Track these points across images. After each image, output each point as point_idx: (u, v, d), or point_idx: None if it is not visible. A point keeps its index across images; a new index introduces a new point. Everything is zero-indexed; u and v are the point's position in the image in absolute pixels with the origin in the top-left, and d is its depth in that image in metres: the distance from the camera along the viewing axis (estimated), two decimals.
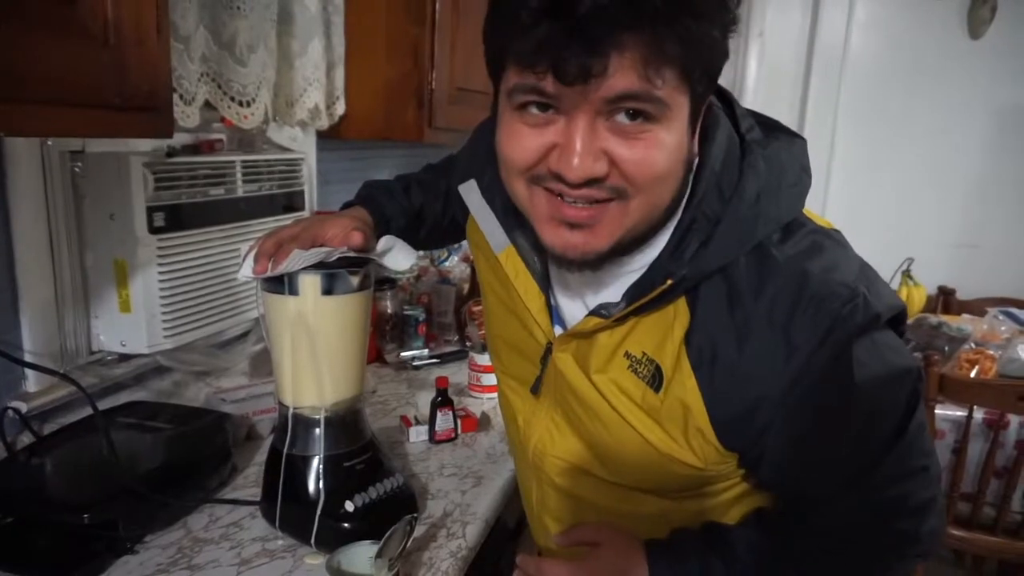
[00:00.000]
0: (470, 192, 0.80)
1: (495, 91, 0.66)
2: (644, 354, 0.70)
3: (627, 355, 0.71)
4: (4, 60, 0.59)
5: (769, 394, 0.64)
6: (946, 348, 2.10)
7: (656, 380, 0.69)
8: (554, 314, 0.79)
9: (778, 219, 0.66)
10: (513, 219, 0.76)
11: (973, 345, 2.11)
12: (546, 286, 0.78)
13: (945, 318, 2.34)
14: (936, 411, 1.83)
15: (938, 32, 3.00)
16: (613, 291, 0.71)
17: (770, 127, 0.71)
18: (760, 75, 3.20)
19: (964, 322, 2.28)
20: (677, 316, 0.68)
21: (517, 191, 0.66)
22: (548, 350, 0.79)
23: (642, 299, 0.67)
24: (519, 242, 0.77)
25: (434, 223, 1.02)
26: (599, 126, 0.58)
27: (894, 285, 2.60)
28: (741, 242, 0.65)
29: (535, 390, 0.83)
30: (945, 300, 2.93)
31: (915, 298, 2.59)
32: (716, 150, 0.65)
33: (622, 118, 0.58)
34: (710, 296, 0.66)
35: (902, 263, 2.63)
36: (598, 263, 0.66)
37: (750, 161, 0.65)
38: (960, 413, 1.83)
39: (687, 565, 0.76)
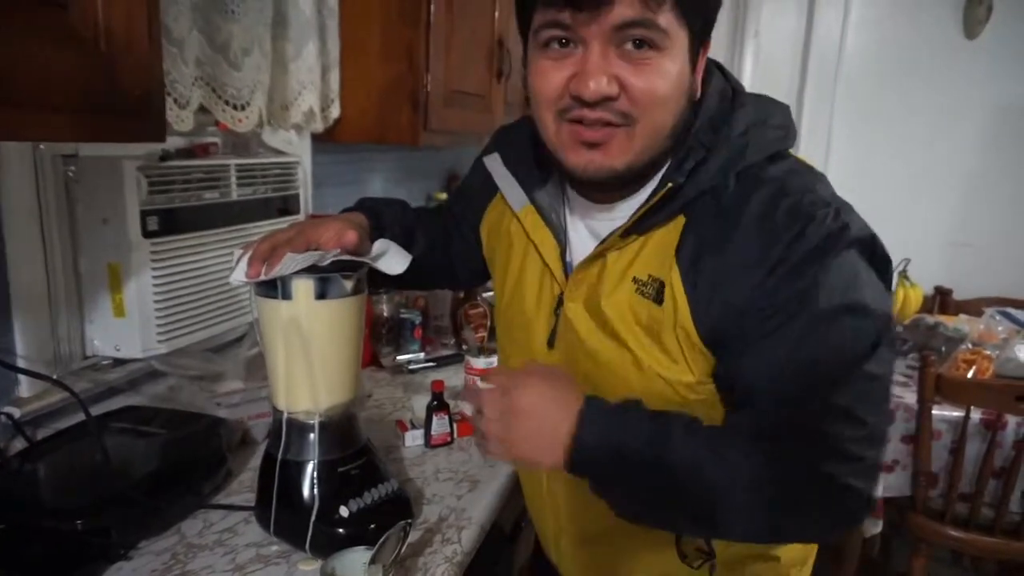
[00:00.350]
0: (494, 162, 0.90)
1: (524, 46, 0.77)
2: (649, 276, 0.76)
3: (634, 279, 0.77)
4: None
5: (748, 284, 0.69)
6: (943, 348, 2.10)
7: (659, 295, 0.76)
8: (568, 269, 0.84)
9: (766, 148, 0.75)
10: (536, 180, 0.86)
11: (970, 345, 2.11)
12: (563, 240, 0.85)
13: (942, 318, 2.34)
14: (933, 412, 1.83)
15: (934, 32, 3.01)
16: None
17: (755, 93, 0.81)
18: (756, 75, 3.20)
19: (961, 322, 2.28)
20: (675, 235, 0.75)
21: (547, 126, 0.75)
22: (560, 302, 0.84)
23: (646, 206, 0.74)
24: (539, 201, 0.86)
25: (429, 243, 1.01)
26: (610, 53, 0.69)
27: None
28: (732, 162, 0.74)
29: (551, 343, 0.86)
30: (942, 300, 2.92)
31: (912, 299, 2.58)
32: (711, 92, 0.77)
33: (630, 47, 0.69)
34: (702, 212, 0.74)
35: (898, 263, 2.63)
36: (614, 184, 0.76)
37: (740, 102, 0.77)
38: (957, 414, 1.83)
39: (624, 417, 0.69)
